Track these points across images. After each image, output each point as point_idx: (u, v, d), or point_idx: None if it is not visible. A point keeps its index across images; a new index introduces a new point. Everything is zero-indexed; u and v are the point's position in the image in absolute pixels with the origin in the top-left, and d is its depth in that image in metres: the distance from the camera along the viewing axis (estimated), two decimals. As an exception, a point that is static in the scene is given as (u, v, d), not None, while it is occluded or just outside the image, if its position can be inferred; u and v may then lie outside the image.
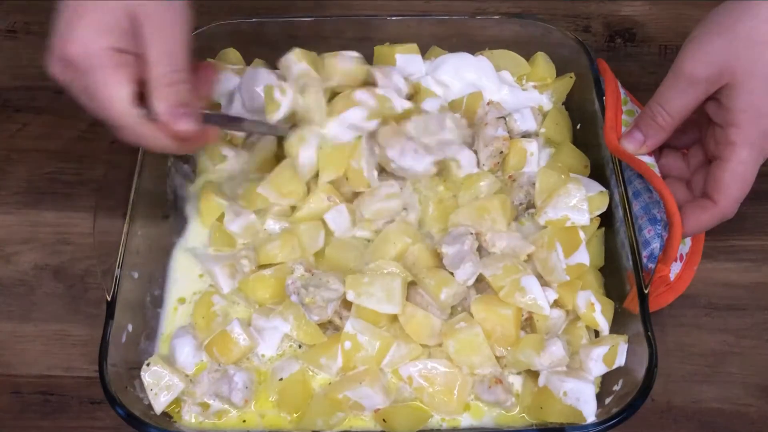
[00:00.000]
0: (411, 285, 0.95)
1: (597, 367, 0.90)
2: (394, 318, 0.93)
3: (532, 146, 1.06)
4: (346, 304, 0.94)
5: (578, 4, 1.33)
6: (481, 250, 0.97)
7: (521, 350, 0.90)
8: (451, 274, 0.94)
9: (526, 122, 1.09)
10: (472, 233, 0.96)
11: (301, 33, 1.16)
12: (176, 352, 0.94)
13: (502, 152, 1.05)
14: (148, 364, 0.91)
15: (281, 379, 0.92)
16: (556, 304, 0.94)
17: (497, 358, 0.92)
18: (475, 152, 1.06)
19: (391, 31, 1.16)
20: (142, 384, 0.91)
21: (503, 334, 0.91)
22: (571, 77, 1.13)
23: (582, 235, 0.95)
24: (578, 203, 0.96)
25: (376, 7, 1.31)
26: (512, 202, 1.02)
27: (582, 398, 0.87)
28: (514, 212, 1.02)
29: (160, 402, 0.90)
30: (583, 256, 0.95)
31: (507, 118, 1.09)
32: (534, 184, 1.01)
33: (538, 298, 0.91)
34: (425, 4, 1.33)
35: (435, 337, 0.93)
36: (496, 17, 1.17)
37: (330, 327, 0.96)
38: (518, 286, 0.91)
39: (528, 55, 1.16)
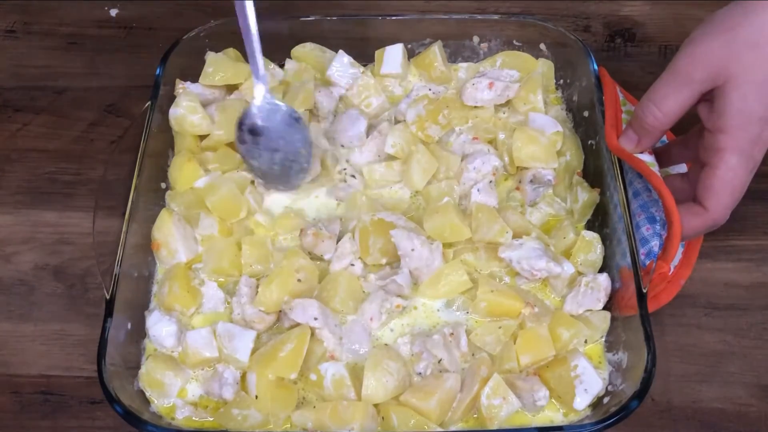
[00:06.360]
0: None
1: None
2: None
3: None
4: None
5: (578, 4, 1.33)
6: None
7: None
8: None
9: None
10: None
11: (302, 33, 1.16)
12: (163, 341, 0.93)
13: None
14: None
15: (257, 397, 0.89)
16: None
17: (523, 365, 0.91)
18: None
19: (391, 31, 1.16)
20: (140, 382, 0.91)
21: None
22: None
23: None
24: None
25: (376, 7, 1.31)
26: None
27: (585, 381, 0.88)
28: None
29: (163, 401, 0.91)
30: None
31: None
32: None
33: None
34: (425, 4, 1.33)
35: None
36: (496, 17, 1.17)
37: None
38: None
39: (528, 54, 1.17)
